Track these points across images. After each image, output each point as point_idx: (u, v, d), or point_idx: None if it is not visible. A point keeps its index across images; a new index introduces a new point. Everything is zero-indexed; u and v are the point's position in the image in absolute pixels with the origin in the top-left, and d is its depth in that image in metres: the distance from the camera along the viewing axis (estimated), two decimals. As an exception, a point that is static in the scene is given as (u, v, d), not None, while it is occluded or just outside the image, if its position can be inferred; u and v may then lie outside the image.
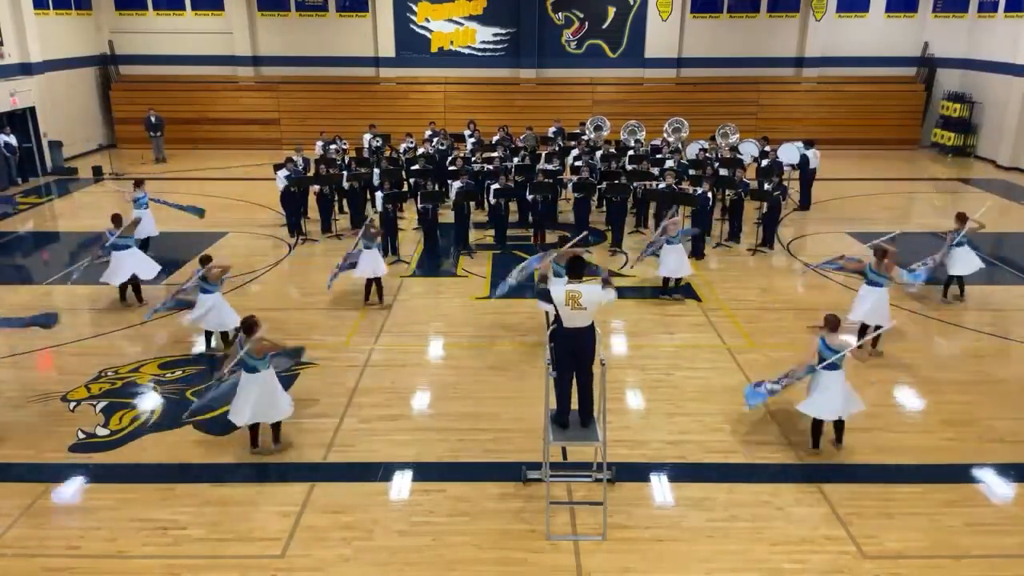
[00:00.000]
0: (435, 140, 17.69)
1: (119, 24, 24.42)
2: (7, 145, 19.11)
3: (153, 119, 22.30)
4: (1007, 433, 8.26)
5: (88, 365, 9.73)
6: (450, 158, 16.38)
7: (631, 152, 16.88)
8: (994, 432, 8.29)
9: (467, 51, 24.76)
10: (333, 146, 17.32)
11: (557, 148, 17.26)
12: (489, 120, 20.55)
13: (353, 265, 11.51)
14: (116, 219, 11.53)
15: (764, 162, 16.34)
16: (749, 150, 17.26)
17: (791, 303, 12.10)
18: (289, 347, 8.27)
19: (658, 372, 9.66)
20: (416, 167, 15.65)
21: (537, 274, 9.68)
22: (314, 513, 6.94)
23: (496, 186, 14.22)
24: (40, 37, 20.99)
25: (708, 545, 6.56)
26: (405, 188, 15.51)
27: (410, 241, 14.87)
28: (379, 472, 7.55)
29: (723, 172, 15.36)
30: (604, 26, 24.54)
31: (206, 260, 9.86)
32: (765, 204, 14.10)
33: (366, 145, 17.77)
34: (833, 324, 7.62)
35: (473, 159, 16.14)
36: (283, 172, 14.71)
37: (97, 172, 20.52)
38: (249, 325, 7.51)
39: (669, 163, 15.73)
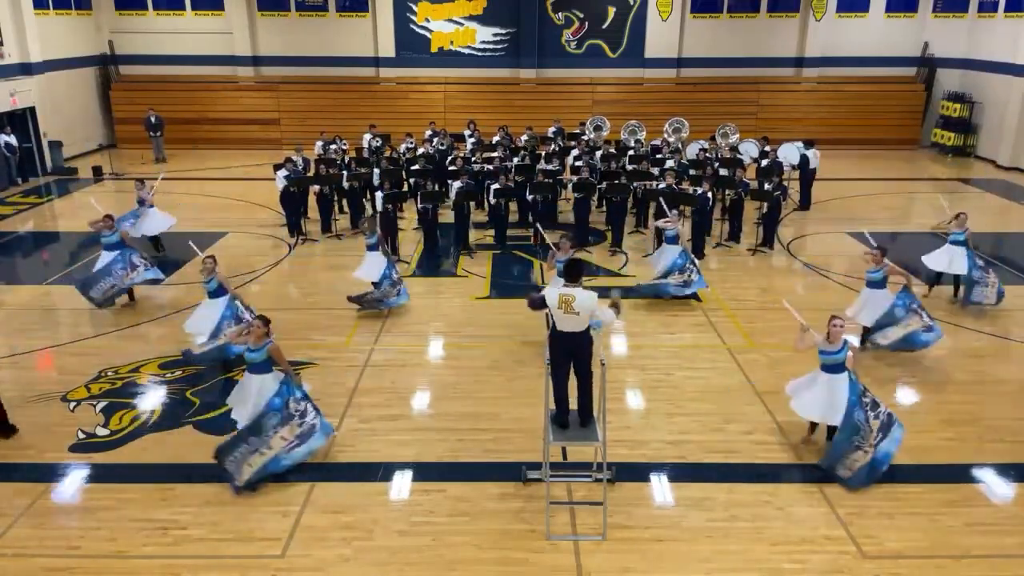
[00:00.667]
0: (435, 140, 17.70)
1: (119, 24, 24.43)
2: (7, 145, 19.12)
3: (153, 119, 22.30)
4: (1007, 433, 8.26)
5: (88, 365, 9.73)
6: (450, 158, 16.39)
7: (631, 152, 16.89)
8: (994, 432, 8.28)
9: (467, 51, 24.76)
10: (333, 146, 17.33)
11: (557, 148, 17.27)
12: (489, 120, 20.57)
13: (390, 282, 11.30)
14: (108, 219, 11.48)
15: (764, 162, 16.34)
16: (749, 150, 17.27)
17: (791, 303, 12.03)
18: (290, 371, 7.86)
19: (658, 372, 9.66)
20: (416, 167, 15.65)
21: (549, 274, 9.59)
22: (314, 513, 6.94)
23: (496, 186, 14.22)
24: (40, 37, 21.00)
25: (708, 545, 6.56)
26: (405, 188, 15.52)
27: (410, 241, 14.88)
28: (379, 472, 7.55)
29: (723, 172, 15.37)
30: (604, 26, 24.55)
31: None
32: (765, 204, 14.10)
33: (366, 145, 17.77)
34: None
35: (473, 159, 16.14)
36: (283, 172, 14.71)
37: (97, 172, 20.53)
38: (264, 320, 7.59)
39: (669, 163, 15.73)
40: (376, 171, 15.17)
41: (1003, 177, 21.00)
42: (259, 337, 7.48)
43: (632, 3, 24.26)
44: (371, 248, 11.41)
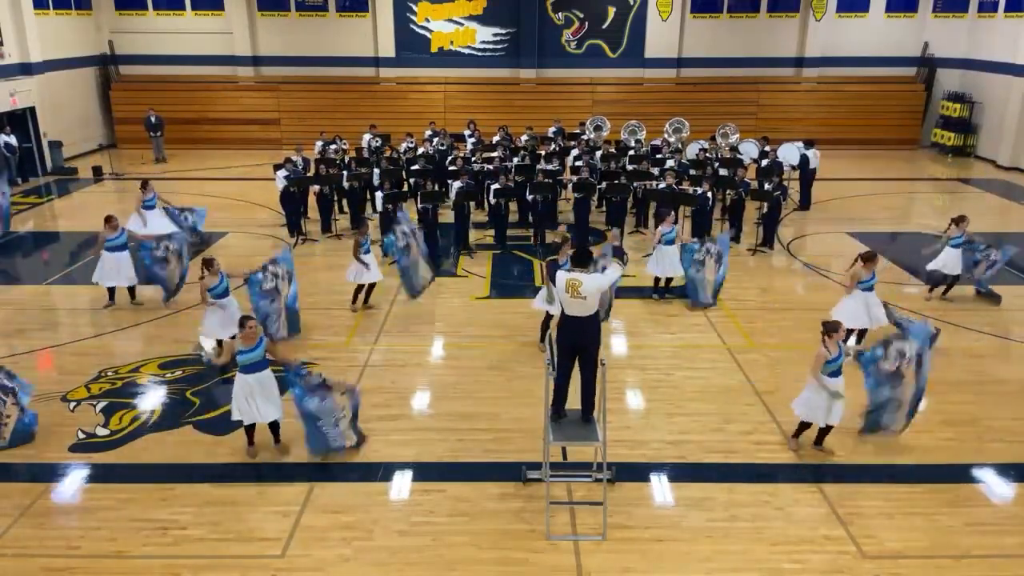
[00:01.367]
0: (435, 140, 17.69)
1: (119, 24, 24.43)
2: (7, 145, 19.10)
3: (153, 119, 22.29)
4: (1007, 433, 8.26)
5: (88, 365, 9.73)
6: (450, 158, 16.38)
7: (631, 152, 16.89)
8: (994, 432, 8.29)
9: (467, 51, 24.76)
10: (333, 146, 17.32)
11: (557, 148, 17.26)
12: (489, 120, 20.56)
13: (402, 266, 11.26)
14: (109, 220, 11.43)
15: (764, 162, 16.34)
16: (749, 150, 17.26)
17: (791, 303, 12.11)
18: (290, 361, 7.89)
19: (658, 372, 9.66)
20: (416, 167, 15.65)
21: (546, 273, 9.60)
22: (314, 513, 6.94)
23: (496, 186, 14.22)
24: (40, 37, 20.99)
25: (708, 545, 6.56)
26: (405, 188, 15.51)
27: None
28: (379, 472, 7.55)
29: (723, 172, 15.37)
30: (604, 26, 24.55)
31: (209, 263, 9.59)
32: (765, 204, 14.09)
33: (366, 145, 17.77)
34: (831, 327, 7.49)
35: (473, 159, 16.14)
36: (283, 172, 14.70)
37: (97, 172, 20.52)
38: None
39: (669, 163, 15.73)
40: (376, 171, 15.18)
41: (1003, 177, 21.00)
42: (252, 337, 7.46)
43: (632, 3, 24.26)
44: (366, 252, 11.29)
